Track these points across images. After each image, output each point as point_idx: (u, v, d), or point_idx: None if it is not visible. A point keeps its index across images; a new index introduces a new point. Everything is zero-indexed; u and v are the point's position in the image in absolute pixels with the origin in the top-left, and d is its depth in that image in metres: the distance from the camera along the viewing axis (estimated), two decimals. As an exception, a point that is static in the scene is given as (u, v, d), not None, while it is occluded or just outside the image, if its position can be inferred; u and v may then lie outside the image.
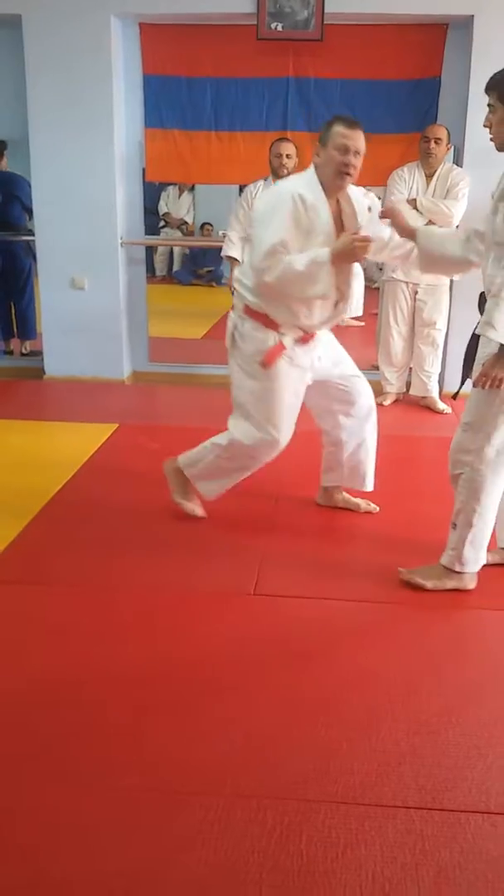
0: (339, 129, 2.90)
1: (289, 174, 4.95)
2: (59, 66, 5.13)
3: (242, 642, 2.58)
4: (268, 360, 3.03)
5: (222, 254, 5.29)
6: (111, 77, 5.15)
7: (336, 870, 1.72)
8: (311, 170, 2.98)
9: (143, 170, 5.53)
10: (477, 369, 2.67)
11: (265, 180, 5.06)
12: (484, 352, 2.63)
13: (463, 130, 4.97)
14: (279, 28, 5.01)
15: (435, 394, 5.19)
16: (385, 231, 3.09)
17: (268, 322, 3.02)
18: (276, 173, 4.98)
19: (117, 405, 5.19)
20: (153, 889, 1.68)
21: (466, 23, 4.91)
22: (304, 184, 2.93)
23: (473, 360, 2.74)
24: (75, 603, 2.78)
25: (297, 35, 5.03)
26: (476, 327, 2.65)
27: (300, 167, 5.01)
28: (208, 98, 5.32)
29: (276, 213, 2.86)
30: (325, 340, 3.22)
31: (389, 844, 1.80)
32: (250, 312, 3.04)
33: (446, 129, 4.80)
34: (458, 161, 5.04)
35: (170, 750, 2.08)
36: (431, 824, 1.86)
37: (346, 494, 3.53)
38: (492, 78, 2.60)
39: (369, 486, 3.45)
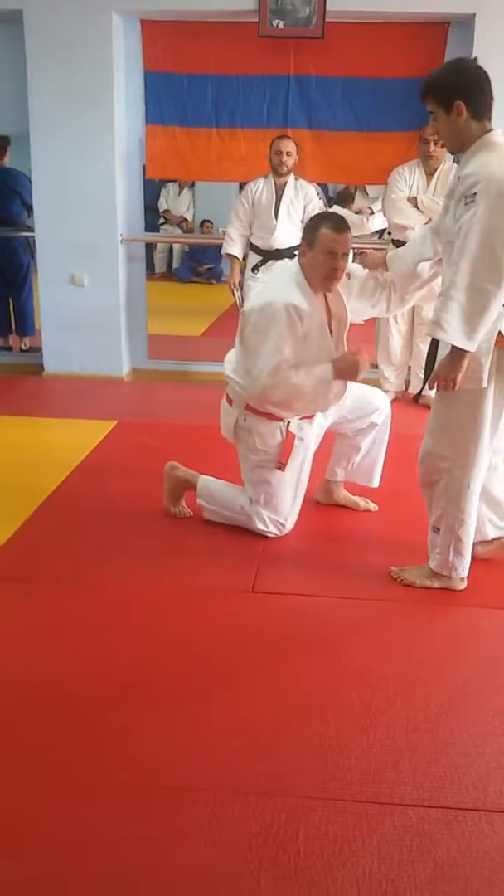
0: (327, 232, 2.87)
1: (288, 172, 4.97)
2: (61, 63, 5.12)
3: (241, 639, 2.58)
4: (284, 461, 3.09)
5: (222, 251, 5.30)
6: (112, 73, 5.15)
7: (333, 866, 1.73)
8: (297, 269, 2.99)
9: (144, 166, 5.52)
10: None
11: (265, 178, 5.06)
12: (443, 353, 2.60)
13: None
14: (280, 25, 5.01)
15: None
16: (370, 283, 3.15)
17: (272, 416, 3.05)
18: (277, 171, 4.99)
19: (116, 402, 5.18)
20: (151, 885, 1.68)
21: (468, 22, 4.91)
22: (295, 289, 2.93)
23: (434, 362, 2.71)
24: (72, 600, 2.78)
25: (299, 33, 5.02)
26: (427, 328, 2.64)
27: (300, 164, 5.03)
28: (209, 95, 5.32)
29: (273, 328, 2.87)
30: None
31: (386, 841, 1.80)
32: (252, 410, 3.07)
33: None
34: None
35: (168, 746, 2.08)
36: (428, 821, 1.86)
37: (346, 492, 3.53)
38: (424, 85, 2.58)
39: (376, 482, 3.47)
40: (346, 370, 2.94)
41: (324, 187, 5.71)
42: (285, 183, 5.01)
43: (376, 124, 5.22)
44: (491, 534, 3.04)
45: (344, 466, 3.45)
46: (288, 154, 4.92)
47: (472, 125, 2.54)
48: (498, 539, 3.05)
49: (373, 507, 3.52)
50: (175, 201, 10.30)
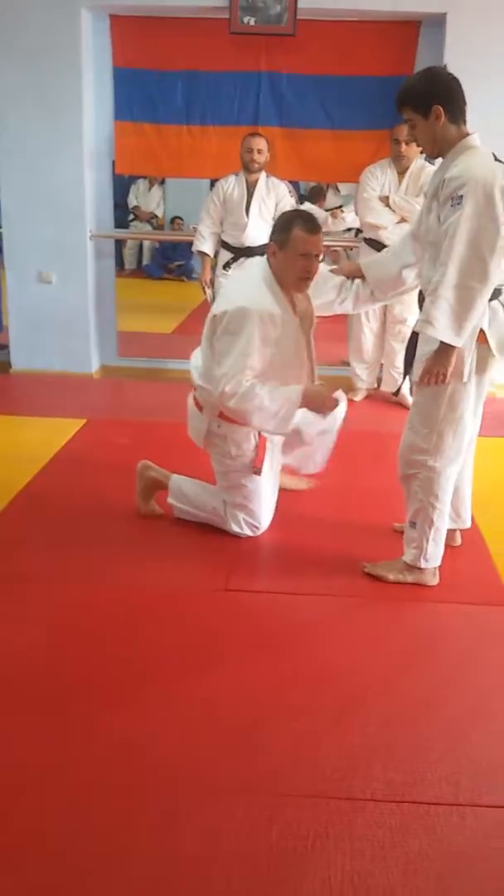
0: (300, 234, 2.86)
1: (260, 169, 4.96)
2: (29, 58, 5.06)
3: (214, 637, 2.58)
4: (259, 465, 3.09)
5: (193, 249, 5.27)
6: (81, 69, 5.10)
7: (305, 863, 1.73)
8: (268, 271, 2.96)
9: (113, 163, 5.48)
10: (417, 368, 2.72)
11: (236, 175, 5.04)
12: (423, 349, 2.68)
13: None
14: (251, 22, 4.99)
15: (406, 390, 5.21)
16: (333, 280, 3.15)
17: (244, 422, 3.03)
18: (248, 168, 4.97)
19: (86, 400, 5.14)
20: (123, 882, 1.67)
21: (439, 21, 4.92)
22: (266, 292, 2.91)
23: (414, 358, 2.78)
24: (39, 599, 2.76)
25: (270, 30, 5.01)
26: (416, 325, 2.68)
27: (271, 162, 5.02)
28: (179, 92, 5.28)
29: (243, 333, 2.84)
30: None
31: (359, 837, 1.80)
32: (225, 417, 3.03)
33: None
34: (431, 160, 5.06)
35: (139, 744, 2.07)
36: (400, 817, 1.87)
37: (286, 476, 3.53)
38: (399, 94, 2.64)
39: (315, 469, 3.38)
40: (315, 400, 2.93)
41: (295, 185, 5.72)
42: (256, 180, 4.99)
43: (347, 122, 5.22)
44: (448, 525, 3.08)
45: (286, 453, 3.40)
46: (259, 152, 4.90)
47: (451, 129, 2.61)
48: (452, 531, 3.09)
49: (314, 484, 3.57)
50: (145, 198, 10.24)
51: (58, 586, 2.83)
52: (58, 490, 3.65)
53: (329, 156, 5.31)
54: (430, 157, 2.70)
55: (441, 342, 2.57)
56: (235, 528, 3.17)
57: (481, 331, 2.63)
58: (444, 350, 2.59)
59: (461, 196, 2.47)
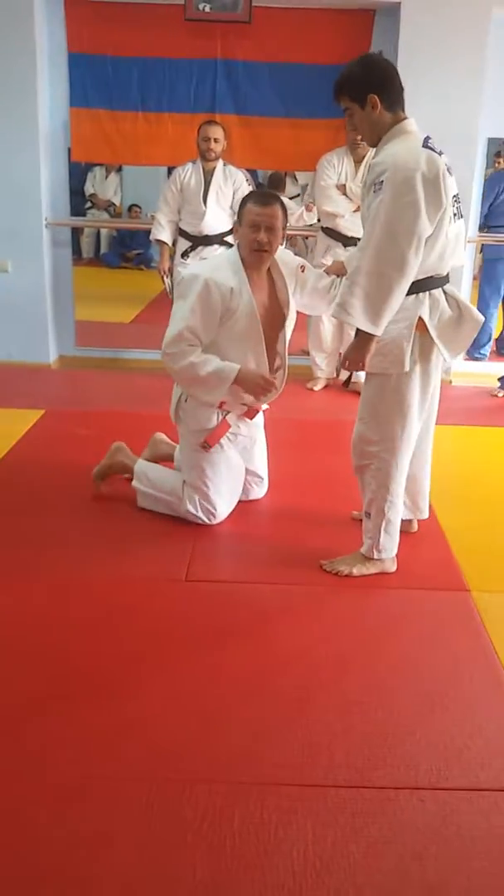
0: (251, 206, 2.92)
1: (216, 158, 4.94)
2: (-19, 42, 4.98)
3: (174, 627, 2.58)
4: (210, 442, 3.11)
5: (151, 237, 5.24)
6: (35, 54, 5.02)
7: (269, 850, 1.74)
8: (234, 251, 3.03)
9: (69, 150, 5.42)
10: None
11: (194, 163, 5.02)
12: None
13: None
14: (207, 9, 4.97)
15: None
16: (325, 280, 3.18)
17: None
18: (204, 157, 4.95)
19: (43, 390, 5.09)
20: (87, 872, 1.67)
21: (393, 10, 4.94)
22: (227, 266, 2.97)
23: None
24: (1, 591, 2.73)
25: (225, 17, 4.99)
26: (332, 310, 2.71)
27: (228, 150, 5.01)
28: (135, 78, 5.24)
29: (189, 296, 2.91)
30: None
31: (321, 823, 1.82)
32: None
33: None
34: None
35: (99, 736, 2.07)
36: (361, 801, 1.89)
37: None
38: (335, 83, 2.63)
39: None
40: (249, 383, 2.97)
41: (253, 173, 5.70)
42: (214, 168, 4.97)
43: (303, 111, 5.22)
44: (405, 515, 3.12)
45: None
46: (216, 140, 4.88)
47: (387, 116, 2.59)
48: (408, 520, 3.13)
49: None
50: (102, 185, 10.13)
51: (13, 578, 2.81)
52: (17, 482, 3.61)
53: (286, 144, 5.31)
54: (371, 146, 2.69)
55: (359, 329, 2.57)
56: (190, 508, 3.17)
57: (421, 319, 2.62)
58: (363, 337, 2.58)
59: (381, 182, 2.47)
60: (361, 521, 2.99)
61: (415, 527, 3.20)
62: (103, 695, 2.23)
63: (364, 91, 2.56)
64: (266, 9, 4.98)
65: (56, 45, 5.19)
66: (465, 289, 5.50)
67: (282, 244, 3.07)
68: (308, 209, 6.90)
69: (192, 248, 5.10)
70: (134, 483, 3.30)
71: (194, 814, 1.83)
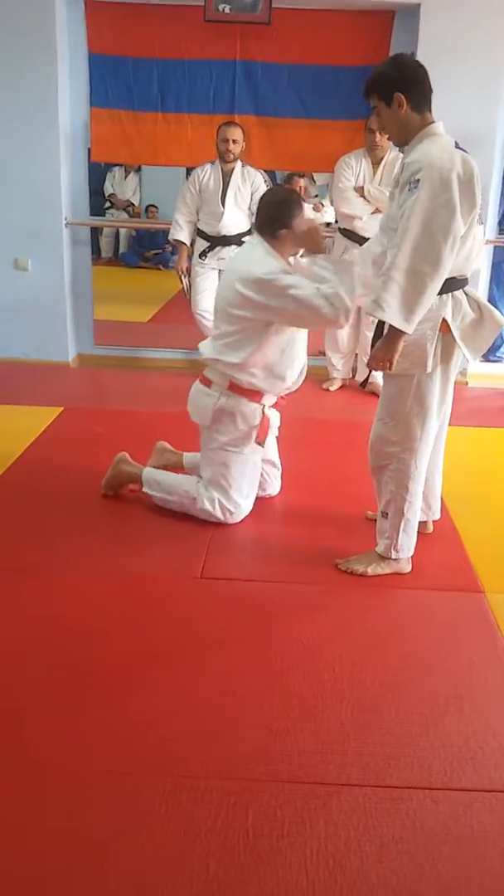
0: (300, 211, 3.06)
1: (235, 159, 4.96)
2: (3, 44, 5.00)
3: (189, 624, 2.60)
4: (262, 438, 3.17)
5: (169, 237, 5.26)
6: (56, 55, 5.05)
7: (281, 847, 1.75)
8: (266, 244, 3.08)
9: (89, 150, 5.45)
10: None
11: (212, 163, 5.03)
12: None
13: (409, 118, 5.00)
14: (227, 10, 4.98)
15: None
16: None
17: (253, 395, 3.09)
18: (223, 158, 4.96)
19: (62, 388, 5.13)
20: (101, 870, 1.69)
21: (413, 11, 4.94)
22: (272, 259, 3.04)
23: None
24: (17, 587, 2.76)
25: (245, 18, 5.00)
26: (366, 306, 2.69)
27: (246, 151, 5.02)
28: (155, 79, 5.26)
29: (279, 278, 2.92)
30: None
31: (333, 821, 1.83)
32: (237, 389, 3.09)
33: None
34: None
35: (115, 732, 2.09)
36: (374, 801, 1.90)
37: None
38: (366, 81, 2.66)
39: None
40: (306, 235, 3.02)
41: (271, 174, 5.70)
42: (232, 169, 4.99)
43: (322, 112, 5.23)
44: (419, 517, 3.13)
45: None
46: (234, 142, 4.89)
47: (414, 116, 2.61)
48: (422, 521, 3.12)
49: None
50: (121, 185, 10.16)
51: (31, 576, 2.83)
52: (35, 479, 3.64)
53: (304, 145, 5.31)
54: (397, 145, 2.70)
55: (390, 327, 2.56)
56: (208, 507, 3.19)
57: (444, 320, 2.63)
58: (394, 335, 2.57)
59: (418, 180, 2.48)
60: (376, 521, 2.99)
61: (430, 528, 3.21)
62: (118, 691, 2.25)
63: (391, 89, 2.58)
64: (286, 10, 4.98)
65: (77, 46, 5.22)
66: (481, 291, 5.49)
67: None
68: (316, 209, 6.90)
69: (210, 249, 5.12)
70: (145, 490, 3.32)
71: (208, 811, 1.84)
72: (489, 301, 5.87)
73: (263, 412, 3.16)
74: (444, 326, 2.65)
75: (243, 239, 5.02)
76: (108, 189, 10.08)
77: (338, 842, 1.78)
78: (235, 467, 3.17)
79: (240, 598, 2.77)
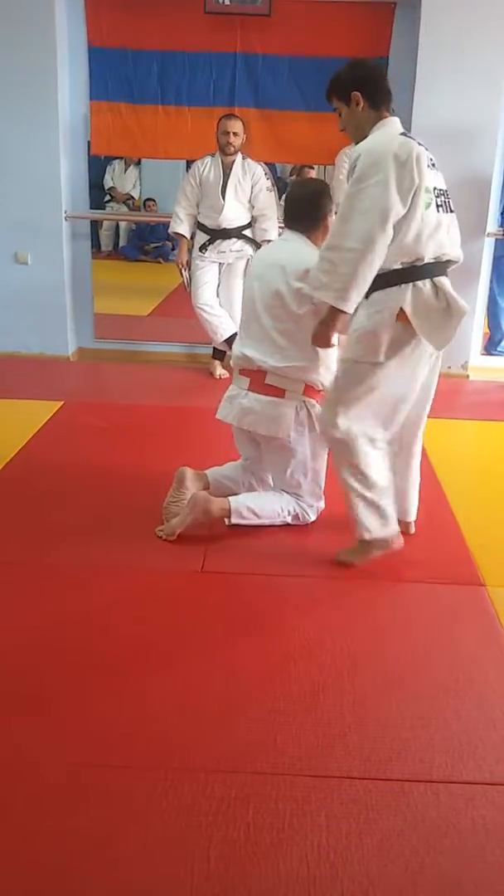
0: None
1: (236, 152, 4.94)
2: (2, 37, 4.99)
3: (189, 617, 2.59)
4: None
5: (170, 230, 5.25)
6: (55, 48, 5.04)
7: (282, 840, 1.75)
8: (304, 238, 3.05)
9: (89, 143, 5.44)
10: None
11: (212, 156, 5.02)
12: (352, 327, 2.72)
13: (409, 111, 4.97)
14: (227, 2, 4.97)
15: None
16: None
17: (319, 395, 3.04)
18: (224, 151, 4.95)
19: (62, 382, 5.12)
20: (102, 862, 1.69)
21: (414, 2, 4.92)
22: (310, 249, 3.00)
23: None
24: (19, 581, 2.76)
25: (245, 10, 4.99)
26: (305, 289, 2.76)
27: (247, 144, 5.00)
28: (154, 71, 5.25)
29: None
30: None
31: (334, 815, 1.83)
32: (312, 392, 3.04)
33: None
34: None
35: (117, 725, 2.08)
36: (375, 794, 1.90)
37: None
38: (327, 87, 2.75)
39: None
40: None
41: (272, 167, 5.70)
42: (233, 162, 4.97)
43: (323, 104, 5.07)
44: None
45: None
46: (235, 134, 4.88)
47: (371, 114, 2.69)
48: (404, 523, 3.09)
49: None
50: (121, 179, 10.15)
51: (31, 570, 2.83)
52: (34, 471, 3.64)
53: (305, 138, 5.30)
54: (355, 143, 2.72)
55: (329, 306, 2.61)
56: (312, 517, 3.18)
57: (402, 310, 2.61)
58: (332, 313, 2.64)
59: (355, 167, 2.56)
60: None
61: (411, 528, 3.13)
62: (118, 684, 2.25)
63: (348, 89, 2.68)
64: (286, 2, 4.97)
65: (76, 39, 5.21)
66: (481, 285, 5.49)
67: None
68: None
69: (211, 242, 5.11)
70: (234, 521, 3.07)
71: (209, 804, 1.84)
72: (489, 295, 5.90)
73: None
74: (402, 316, 2.61)
75: (244, 232, 5.03)
76: (108, 182, 10.08)
77: (339, 835, 1.77)
78: (322, 472, 3.14)
79: (241, 592, 2.77)
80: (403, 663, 2.41)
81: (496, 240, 5.54)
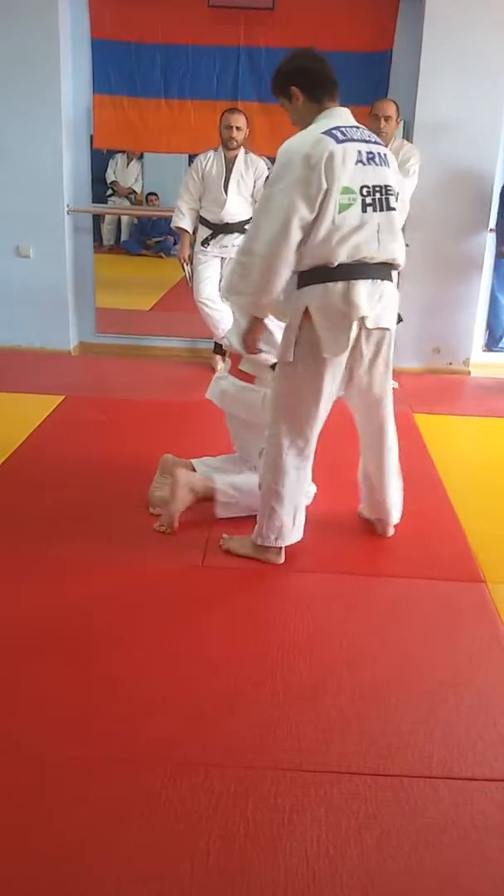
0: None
1: (238, 146, 4.93)
2: (5, 29, 4.98)
3: (189, 612, 2.60)
4: None
5: (172, 225, 5.24)
6: (58, 40, 5.03)
7: (282, 835, 1.76)
8: None
9: (91, 136, 5.43)
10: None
11: (215, 150, 5.01)
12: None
13: (413, 105, 4.96)
14: (230, -5, 4.95)
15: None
16: None
17: None
18: (226, 145, 4.94)
19: (64, 376, 5.12)
20: (102, 857, 1.69)
21: (418, -3, 4.91)
22: None
23: None
24: (17, 575, 2.76)
25: (249, 3, 4.97)
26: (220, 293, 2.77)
27: (249, 138, 4.99)
28: (158, 65, 5.24)
29: None
30: None
31: (334, 810, 1.83)
32: None
33: (395, 104, 4.79)
34: (408, 135, 5.04)
35: (116, 719, 2.09)
36: (375, 789, 1.90)
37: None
38: (270, 84, 2.72)
39: None
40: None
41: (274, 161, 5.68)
42: (235, 157, 4.96)
43: (326, 99, 5.19)
44: (365, 514, 3.17)
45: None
46: (238, 129, 4.87)
47: (311, 106, 2.64)
48: (378, 521, 3.11)
49: None
50: (123, 173, 10.12)
51: (31, 564, 2.83)
52: (35, 465, 3.64)
53: (308, 132, 5.27)
54: None
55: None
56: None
57: (307, 310, 2.55)
58: (250, 318, 2.66)
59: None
60: (364, 517, 3.07)
61: (388, 531, 3.09)
62: (118, 678, 2.25)
63: (287, 83, 2.64)
64: (290, -4, 4.95)
65: (79, 32, 5.19)
66: (483, 283, 5.48)
67: None
68: None
69: (213, 237, 5.10)
70: (221, 501, 3.11)
71: (208, 799, 1.84)
72: (490, 294, 5.89)
73: None
74: (309, 316, 2.57)
75: (246, 226, 5.01)
76: (111, 176, 10.04)
77: (338, 830, 1.78)
78: None
79: (240, 586, 2.77)
80: (403, 659, 2.41)
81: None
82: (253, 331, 2.69)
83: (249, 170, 4.99)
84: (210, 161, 5.00)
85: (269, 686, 2.24)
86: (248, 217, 4.98)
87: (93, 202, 5.85)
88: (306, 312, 2.56)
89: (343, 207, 2.48)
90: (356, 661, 2.37)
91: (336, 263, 2.52)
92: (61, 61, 5.08)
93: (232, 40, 5.14)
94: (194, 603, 2.66)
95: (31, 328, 5.54)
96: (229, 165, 4.97)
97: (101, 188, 9.21)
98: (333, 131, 2.51)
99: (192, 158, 5.27)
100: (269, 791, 1.87)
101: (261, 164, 5.01)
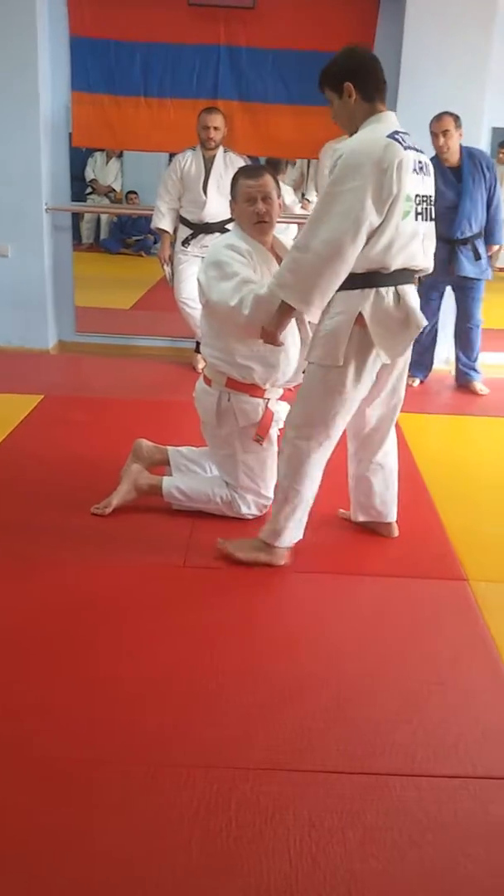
0: (243, 181, 2.92)
1: (216, 146, 4.92)
2: (-18, 24, 4.94)
3: (171, 612, 2.58)
4: (262, 434, 3.05)
5: (152, 225, 5.23)
6: (36, 37, 4.98)
7: (264, 835, 1.75)
8: (236, 227, 3.02)
9: (70, 134, 5.39)
10: (313, 346, 2.71)
11: (194, 150, 5.00)
12: (319, 328, 2.67)
13: (394, 103, 4.96)
14: (211, -6, 4.94)
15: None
16: None
17: (255, 390, 3.01)
18: (205, 145, 4.92)
19: (43, 376, 5.09)
20: (77, 857, 1.68)
21: (398, -4, 4.92)
22: (235, 238, 2.97)
23: None
24: None
25: (229, 2, 4.96)
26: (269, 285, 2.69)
27: (229, 136, 4.98)
28: (137, 63, 5.21)
29: (223, 263, 2.85)
30: None
31: (317, 809, 1.83)
32: (235, 385, 3.00)
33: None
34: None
35: (99, 721, 2.07)
36: (357, 788, 1.90)
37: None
38: (319, 76, 2.65)
39: None
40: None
41: (255, 160, 5.67)
42: (214, 156, 4.95)
43: (307, 98, 5.18)
44: (360, 517, 3.14)
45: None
46: (215, 129, 4.85)
47: (363, 106, 2.58)
48: (384, 524, 3.11)
49: None
50: (102, 171, 10.09)
51: (9, 566, 2.80)
52: (14, 466, 3.61)
53: (289, 131, 5.27)
54: (349, 134, 2.66)
55: (283, 302, 2.56)
56: (244, 510, 3.15)
57: (360, 314, 2.56)
58: (284, 310, 2.59)
59: (335, 166, 2.48)
60: (348, 518, 3.06)
61: (394, 531, 3.11)
62: (99, 679, 2.23)
63: (340, 79, 2.57)
64: (270, -6, 4.95)
65: (58, 29, 5.15)
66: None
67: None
68: (304, 207, 6.86)
69: (193, 236, 5.09)
70: (167, 499, 3.18)
71: (190, 799, 1.83)
72: None
73: (266, 407, 3.05)
74: (360, 320, 2.57)
75: (226, 226, 5.00)
76: (90, 174, 10.01)
77: (321, 829, 1.77)
78: (257, 466, 3.11)
79: (222, 586, 2.75)
80: (386, 658, 2.41)
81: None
82: (283, 325, 2.64)
83: (229, 169, 4.96)
84: (188, 161, 4.99)
85: (250, 685, 2.24)
86: (228, 217, 4.95)
87: (72, 200, 5.82)
88: (359, 317, 2.56)
89: (404, 215, 2.49)
90: (338, 661, 2.37)
91: (391, 269, 2.54)
92: (39, 58, 5.04)
93: (212, 39, 5.12)
94: (175, 603, 2.64)
95: (9, 327, 5.50)
96: (208, 165, 4.96)
97: (80, 186, 9.18)
98: (397, 136, 2.49)
99: (171, 157, 5.26)
100: (251, 791, 1.86)
101: (240, 163, 4.98)
